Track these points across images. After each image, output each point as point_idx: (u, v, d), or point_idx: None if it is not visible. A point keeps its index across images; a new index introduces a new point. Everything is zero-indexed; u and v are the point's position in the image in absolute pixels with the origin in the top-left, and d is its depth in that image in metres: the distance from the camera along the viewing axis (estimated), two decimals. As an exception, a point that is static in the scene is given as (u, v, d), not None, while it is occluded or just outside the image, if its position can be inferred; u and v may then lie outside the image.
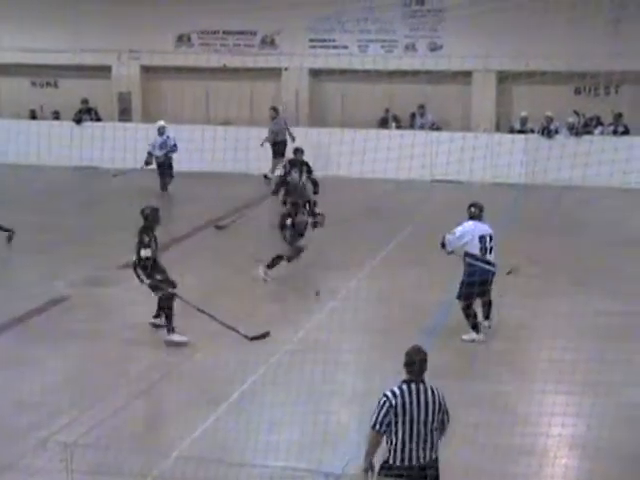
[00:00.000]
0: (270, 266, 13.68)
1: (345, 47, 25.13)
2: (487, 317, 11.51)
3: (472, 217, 11.38)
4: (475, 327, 11.14)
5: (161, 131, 21.57)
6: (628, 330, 11.49)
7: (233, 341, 10.58)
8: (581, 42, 22.56)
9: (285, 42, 25.27)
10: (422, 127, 23.88)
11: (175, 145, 21.45)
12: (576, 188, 20.44)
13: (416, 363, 6.47)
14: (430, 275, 13.26)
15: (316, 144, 21.39)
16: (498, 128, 24.15)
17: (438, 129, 23.83)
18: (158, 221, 11.07)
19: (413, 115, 24.58)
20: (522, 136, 22.61)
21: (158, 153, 21.36)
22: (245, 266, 14.04)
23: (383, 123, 24.74)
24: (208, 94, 24.98)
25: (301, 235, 13.97)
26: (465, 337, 11.07)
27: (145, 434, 8.83)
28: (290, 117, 24.62)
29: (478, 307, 11.30)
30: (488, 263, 11.15)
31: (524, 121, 23.10)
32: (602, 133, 22.70)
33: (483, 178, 21.65)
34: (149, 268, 10.66)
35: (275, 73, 25.44)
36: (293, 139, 22.26)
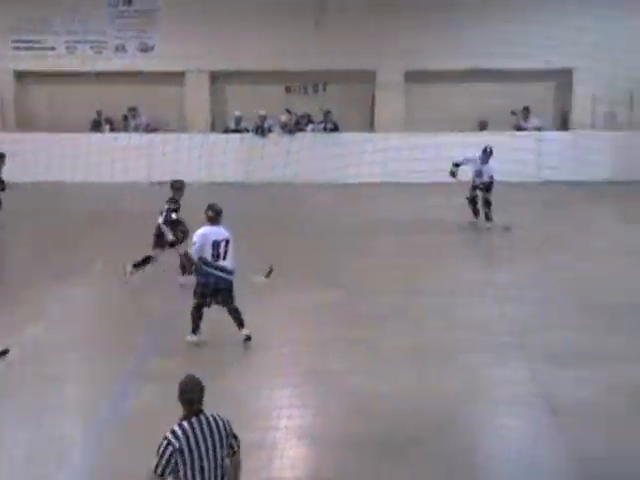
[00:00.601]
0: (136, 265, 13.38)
1: (52, 48, 24.31)
2: None
3: (209, 220, 10.96)
4: (195, 330, 10.87)
5: None
6: (348, 318, 11.87)
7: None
8: (289, 42, 23.17)
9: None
10: (136, 129, 23.56)
11: None
12: (291, 185, 21.01)
13: (195, 396, 5.98)
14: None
15: (23, 150, 20.44)
16: (213, 128, 24.28)
17: (154, 130, 23.62)
18: None
19: (126, 117, 24.18)
20: (237, 135, 22.84)
21: None
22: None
23: (96, 126, 24.16)
24: None
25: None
26: (188, 338, 10.98)
27: None
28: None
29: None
30: (222, 270, 10.83)
31: (238, 120, 23.36)
32: (313, 130, 23.40)
33: (200, 178, 21.66)
34: None
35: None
36: None
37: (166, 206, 13.51)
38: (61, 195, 19.91)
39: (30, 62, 24.11)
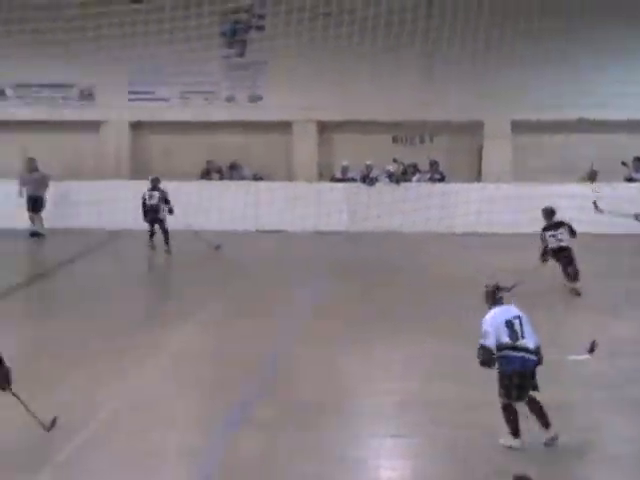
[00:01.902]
0: None
1: (166, 99, 25.02)
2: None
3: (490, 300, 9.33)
4: (515, 434, 8.95)
5: None
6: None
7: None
8: (397, 92, 23.31)
9: (104, 95, 24.94)
10: (243, 179, 23.97)
11: None
12: (397, 234, 21.00)
13: None
14: (258, 327, 13.26)
15: (132, 197, 20.98)
16: (320, 177, 24.53)
17: (261, 179, 24.01)
18: None
19: (232, 166, 24.61)
20: (343, 185, 23.01)
21: None
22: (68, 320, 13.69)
23: (206, 174, 24.68)
24: (26, 148, 24.25)
25: None
26: (502, 442, 8.98)
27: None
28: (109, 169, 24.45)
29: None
30: (526, 350, 8.96)
31: (345, 170, 23.54)
32: (420, 180, 23.39)
33: (306, 227, 21.89)
34: None
35: (94, 126, 25.04)
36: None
37: None
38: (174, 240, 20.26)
39: (144, 113, 24.85)
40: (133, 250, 20.54)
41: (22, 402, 8.72)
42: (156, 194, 19.94)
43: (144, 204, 19.99)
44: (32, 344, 12.96)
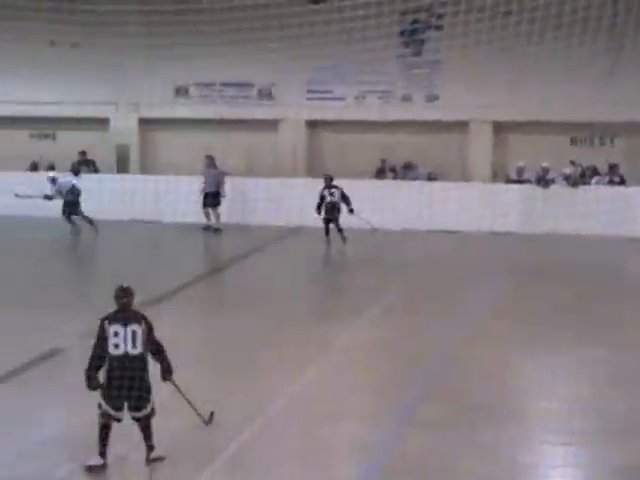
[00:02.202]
0: None
1: (342, 99, 25.32)
2: None
3: None
4: None
5: None
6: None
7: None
8: (576, 92, 22.73)
9: (282, 93, 25.48)
10: (417, 178, 23.96)
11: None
12: (573, 237, 20.55)
13: None
14: (432, 325, 13.26)
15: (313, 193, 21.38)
16: (495, 178, 24.26)
17: (434, 179, 23.95)
18: None
19: (407, 166, 24.64)
20: (518, 186, 22.66)
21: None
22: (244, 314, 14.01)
23: (380, 173, 24.83)
24: (206, 146, 25.08)
25: None
26: None
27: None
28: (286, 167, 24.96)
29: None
30: None
31: (521, 171, 23.17)
32: (598, 183, 22.75)
33: (481, 227, 21.68)
34: None
35: (272, 124, 25.61)
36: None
37: None
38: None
39: (321, 112, 25.23)
40: (308, 246, 20.88)
41: (183, 395, 8.82)
42: (336, 192, 20.23)
43: (322, 201, 20.27)
44: (207, 336, 13.38)
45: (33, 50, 24.23)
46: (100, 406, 8.30)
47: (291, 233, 22.11)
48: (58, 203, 21.37)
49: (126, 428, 8.41)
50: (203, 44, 21.51)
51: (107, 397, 8.28)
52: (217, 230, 22.52)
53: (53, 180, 21.53)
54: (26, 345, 12.16)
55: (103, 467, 8.33)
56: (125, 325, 8.33)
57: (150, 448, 8.41)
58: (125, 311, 8.41)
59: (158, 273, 17.21)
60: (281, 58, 23.08)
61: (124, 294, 8.42)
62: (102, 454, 8.33)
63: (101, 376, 8.34)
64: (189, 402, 8.83)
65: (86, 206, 21.48)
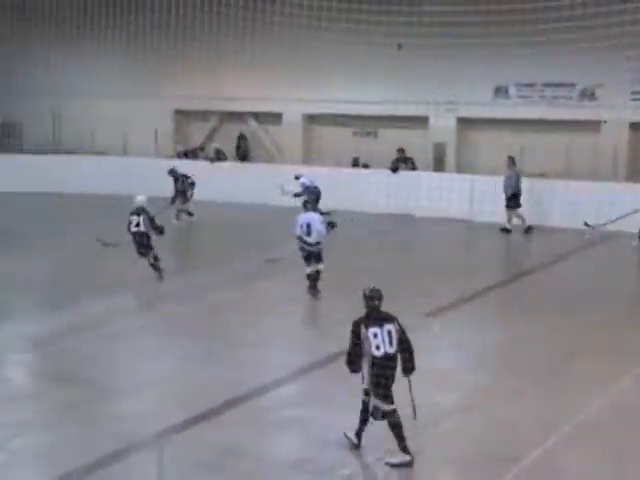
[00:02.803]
0: None
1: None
2: None
3: None
4: None
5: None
6: None
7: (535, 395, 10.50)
8: None
9: (605, 94, 24.72)
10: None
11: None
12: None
13: None
14: None
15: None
16: None
17: None
18: None
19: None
20: None
21: None
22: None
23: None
24: (522, 146, 24.89)
25: None
26: None
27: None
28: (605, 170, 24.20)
29: None
30: None
31: None
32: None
33: None
34: None
35: (593, 126, 24.93)
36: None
37: None
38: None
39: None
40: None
41: (411, 390, 8.95)
42: None
43: None
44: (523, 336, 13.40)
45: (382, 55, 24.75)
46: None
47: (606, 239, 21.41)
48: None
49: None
50: (523, 44, 21.22)
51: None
52: (528, 229, 22.66)
53: (297, 179, 22.90)
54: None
55: (410, 464, 8.70)
56: (381, 326, 8.76)
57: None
58: (378, 312, 8.84)
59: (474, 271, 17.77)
60: (605, 58, 22.36)
61: (376, 296, 8.85)
62: (404, 449, 8.71)
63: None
64: (412, 399, 8.93)
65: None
